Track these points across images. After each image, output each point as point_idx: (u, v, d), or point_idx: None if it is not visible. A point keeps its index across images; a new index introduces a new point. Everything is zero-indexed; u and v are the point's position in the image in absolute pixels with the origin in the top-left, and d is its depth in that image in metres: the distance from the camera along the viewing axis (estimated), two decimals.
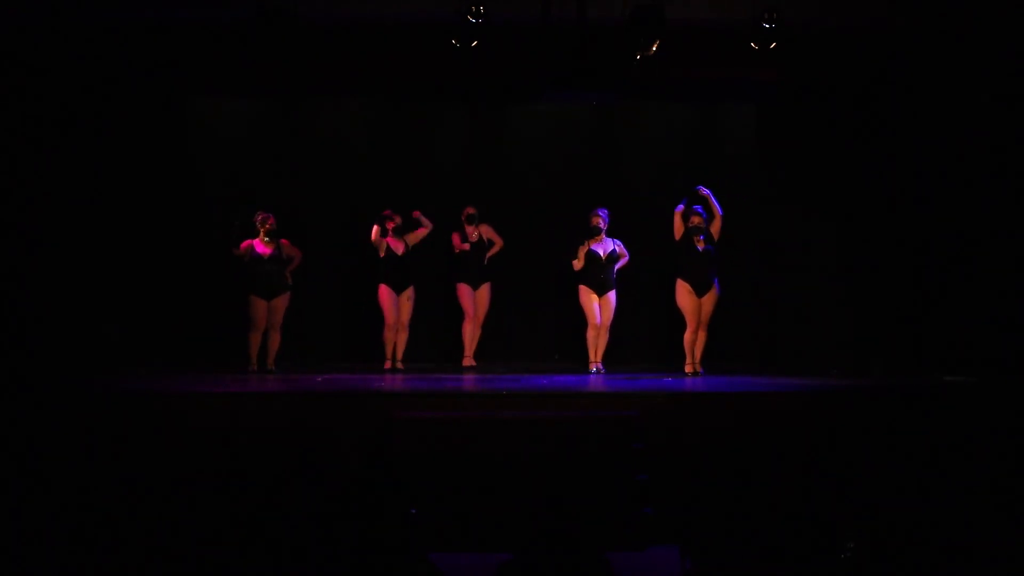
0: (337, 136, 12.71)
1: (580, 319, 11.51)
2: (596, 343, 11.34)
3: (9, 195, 10.90)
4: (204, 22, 10.57)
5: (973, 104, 11.12)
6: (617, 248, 11.36)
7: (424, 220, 11.59)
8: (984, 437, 8.94)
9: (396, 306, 11.47)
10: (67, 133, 11.10)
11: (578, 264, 11.30)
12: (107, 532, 7.61)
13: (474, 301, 11.89)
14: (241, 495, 8.16)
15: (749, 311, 12.29)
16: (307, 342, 12.21)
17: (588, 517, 5.18)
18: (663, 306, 11.66)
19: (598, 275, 11.29)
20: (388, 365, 11.52)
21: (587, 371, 11.30)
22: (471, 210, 11.88)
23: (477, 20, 9.95)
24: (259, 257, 11.20)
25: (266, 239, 11.24)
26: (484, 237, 11.92)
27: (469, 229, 11.87)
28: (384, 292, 11.48)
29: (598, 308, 11.29)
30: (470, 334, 11.95)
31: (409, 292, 11.53)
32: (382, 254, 11.49)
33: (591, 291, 11.31)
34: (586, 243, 11.26)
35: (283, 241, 11.35)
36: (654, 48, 10.01)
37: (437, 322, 12.38)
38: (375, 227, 11.47)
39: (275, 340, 11.31)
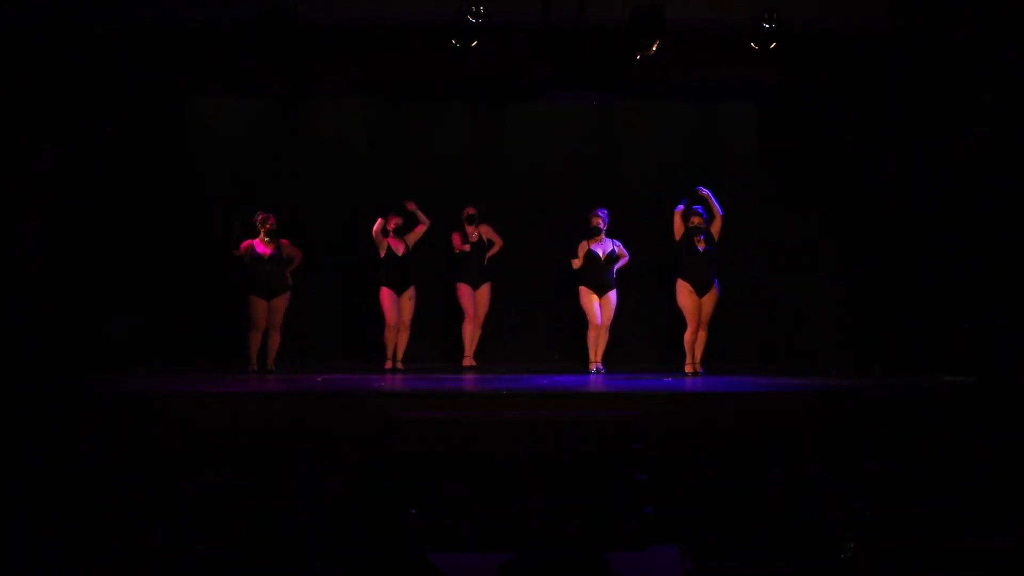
0: (337, 136, 12.71)
1: (580, 319, 11.51)
2: (596, 343, 11.34)
3: (9, 195, 10.90)
4: (204, 22, 10.57)
5: (973, 104, 11.12)
6: (616, 248, 11.36)
7: (421, 215, 11.58)
8: (984, 437, 8.93)
9: (397, 307, 11.48)
10: (67, 133, 11.10)
11: (577, 263, 11.31)
12: (107, 532, 7.61)
13: (474, 301, 11.89)
14: (241, 495, 8.16)
15: (749, 311, 12.29)
16: (307, 342, 12.21)
17: (588, 517, 5.17)
18: (663, 306, 11.66)
19: (598, 276, 11.29)
20: (389, 365, 11.52)
21: (587, 371, 11.30)
22: (471, 210, 11.89)
23: (477, 20, 9.95)
24: (259, 257, 11.20)
25: (266, 239, 11.25)
26: (484, 237, 11.92)
27: (469, 229, 11.87)
28: (385, 293, 11.48)
29: (599, 308, 11.29)
30: (470, 334, 11.96)
31: (410, 292, 11.53)
32: (382, 254, 11.49)
33: (591, 292, 11.31)
34: (584, 243, 11.27)
35: (283, 241, 11.35)
36: (654, 48, 10.01)
37: (437, 322, 12.38)
38: (379, 220, 11.46)
39: (275, 340, 11.31)
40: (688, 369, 11.14)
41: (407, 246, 11.55)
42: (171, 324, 11.92)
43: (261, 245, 11.24)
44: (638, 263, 11.71)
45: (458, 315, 12.05)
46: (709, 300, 11.07)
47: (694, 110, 12.94)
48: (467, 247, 11.84)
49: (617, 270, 11.39)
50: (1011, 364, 10.52)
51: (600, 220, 11.33)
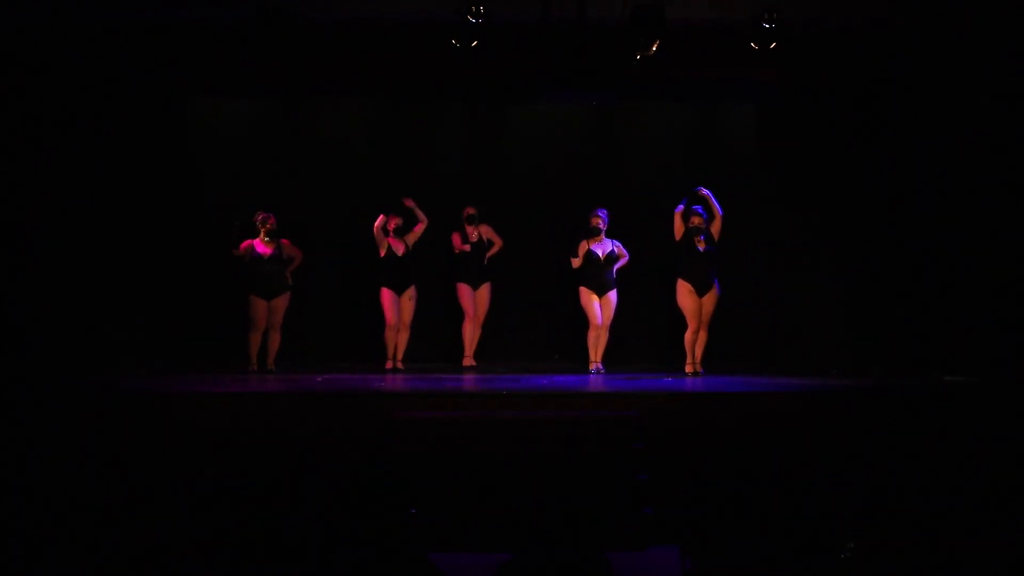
0: (337, 136, 12.71)
1: (580, 319, 11.51)
2: (596, 343, 11.34)
3: (9, 195, 10.89)
4: (204, 22, 10.57)
5: (973, 104, 11.12)
6: (616, 249, 11.37)
7: (419, 213, 11.57)
8: (984, 437, 8.93)
9: (397, 306, 11.48)
10: (67, 133, 11.10)
11: (577, 262, 11.31)
12: (107, 532, 7.61)
13: (474, 301, 11.89)
14: (241, 495, 8.16)
15: (749, 311, 12.29)
16: (307, 342, 12.22)
17: (588, 517, 5.17)
18: (663, 306, 11.66)
19: (597, 276, 11.29)
20: (389, 365, 11.52)
21: (587, 371, 11.30)
22: (471, 210, 11.89)
23: (477, 20, 9.95)
24: (259, 257, 11.21)
25: (266, 239, 11.25)
26: (484, 237, 11.93)
27: (469, 229, 11.88)
28: (385, 293, 11.48)
29: (599, 308, 11.29)
30: (470, 334, 11.96)
31: (410, 292, 11.53)
32: (382, 253, 11.49)
33: (591, 292, 11.32)
34: (585, 242, 11.28)
35: (284, 241, 11.36)
36: (654, 48, 10.01)
37: (437, 322, 12.38)
38: (381, 217, 11.45)
39: (275, 340, 11.31)
40: (688, 369, 11.14)
41: (407, 246, 11.55)
42: (171, 324, 11.92)
43: (261, 245, 11.24)
44: (638, 263, 11.71)
45: (458, 315, 12.05)
46: (709, 300, 11.08)
47: (694, 110, 12.94)
48: (467, 247, 11.84)
49: (617, 270, 11.39)
50: (1011, 364, 10.52)
51: (600, 220, 11.33)
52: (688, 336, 11.14)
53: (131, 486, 8.21)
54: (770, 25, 10.21)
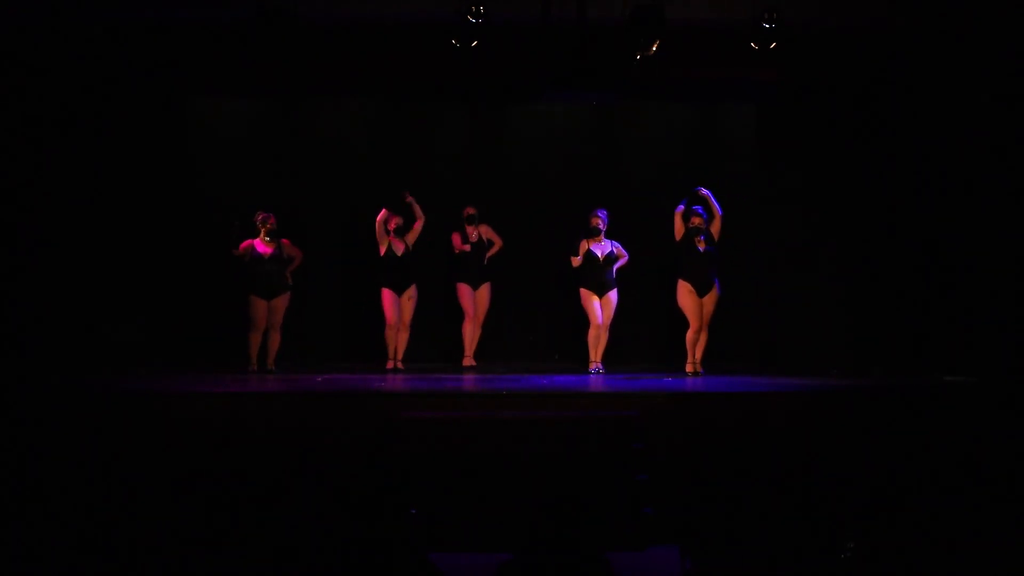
0: (337, 136, 12.71)
1: (580, 319, 11.51)
2: (597, 343, 11.34)
3: (9, 195, 10.89)
4: (204, 22, 10.57)
5: (973, 104, 11.12)
6: (615, 249, 11.37)
7: (417, 210, 11.56)
8: (984, 437, 8.93)
9: (397, 306, 11.48)
10: (67, 133, 11.10)
11: (577, 261, 11.32)
12: (107, 532, 7.61)
13: (474, 301, 11.89)
14: (241, 495, 8.16)
15: (749, 311, 12.29)
16: (307, 342, 12.22)
17: (588, 517, 5.16)
18: (663, 306, 11.66)
19: (597, 276, 11.30)
20: (390, 365, 11.52)
21: (587, 371, 11.30)
22: (471, 210, 11.89)
23: (477, 20, 9.94)
24: (260, 257, 11.21)
25: (267, 239, 11.25)
26: (484, 237, 11.93)
27: (469, 229, 11.88)
28: (385, 293, 11.48)
29: (599, 308, 11.29)
30: (470, 334, 11.96)
31: (411, 291, 11.53)
32: (383, 251, 11.48)
33: (591, 293, 11.32)
34: (585, 242, 11.28)
35: (284, 241, 11.36)
36: (654, 48, 10.01)
37: (437, 322, 12.38)
38: (383, 211, 11.44)
39: (275, 340, 11.31)
40: (689, 369, 11.13)
41: (407, 246, 11.55)
42: (171, 324, 11.92)
43: (262, 245, 11.24)
44: (638, 263, 11.71)
45: (458, 315, 12.05)
46: (710, 300, 11.08)
47: (694, 110, 12.94)
48: (467, 247, 11.84)
49: (617, 270, 11.39)
50: (1011, 364, 10.52)
51: (600, 221, 11.34)
52: (690, 335, 11.13)
53: (131, 486, 8.21)
54: (770, 25, 10.21)
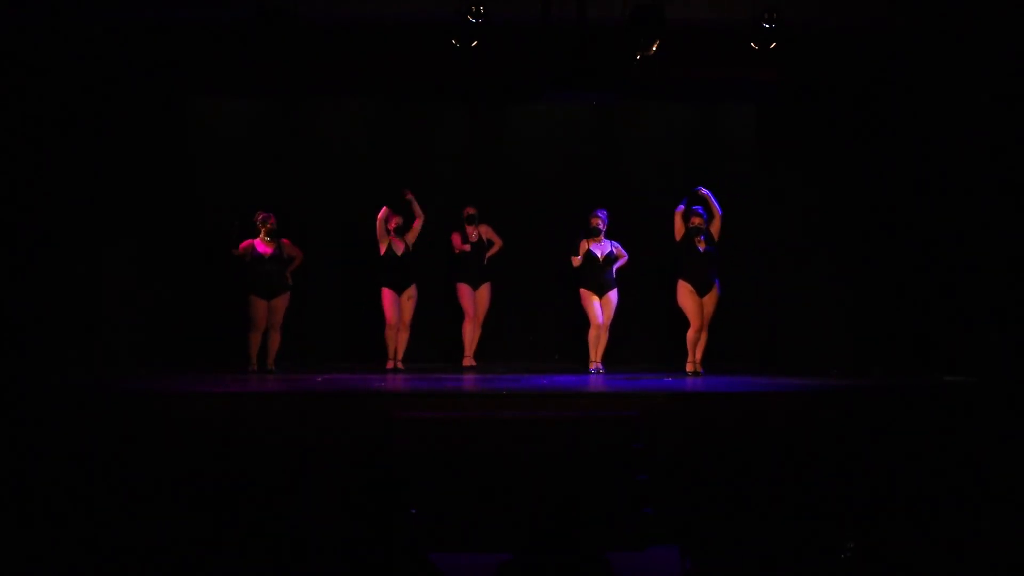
0: (337, 136, 12.71)
1: (580, 319, 11.51)
2: (597, 343, 11.34)
3: (9, 195, 10.89)
4: (204, 22, 10.57)
5: (973, 104, 11.11)
6: (615, 250, 11.37)
7: (416, 208, 11.56)
8: (984, 437, 8.94)
9: (397, 306, 11.48)
10: (67, 133, 11.09)
11: (577, 261, 11.32)
12: (107, 532, 7.61)
13: (474, 301, 11.89)
14: (241, 495, 8.16)
15: (749, 311, 12.28)
16: (307, 342, 12.22)
17: (588, 517, 5.16)
18: (663, 306, 11.66)
19: (597, 277, 11.30)
20: (391, 365, 11.52)
21: (587, 371, 11.30)
22: (471, 210, 11.89)
23: (477, 20, 9.93)
24: (260, 257, 11.21)
25: (267, 239, 11.25)
26: (484, 237, 11.93)
27: (469, 229, 11.88)
28: (385, 293, 11.48)
29: (599, 308, 11.29)
30: (470, 334, 11.96)
31: (411, 291, 11.53)
32: (383, 250, 11.48)
33: (592, 293, 11.32)
34: (585, 241, 11.28)
35: (284, 241, 11.36)
36: (654, 48, 10.00)
37: (437, 322, 12.37)
38: (384, 208, 11.43)
39: (275, 340, 11.31)
40: (689, 368, 11.13)
41: (407, 245, 11.55)
42: (171, 324, 11.91)
43: (262, 245, 11.25)
44: (638, 263, 11.71)
45: (458, 315, 12.04)
46: (710, 300, 11.08)
47: (694, 110, 12.94)
48: (467, 247, 11.84)
49: (617, 270, 11.39)
50: (1011, 364, 10.51)
51: (600, 221, 11.34)
52: (690, 335, 11.13)
53: (131, 486, 8.21)
54: (770, 25, 10.20)
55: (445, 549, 7.14)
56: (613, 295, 11.33)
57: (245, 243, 11.27)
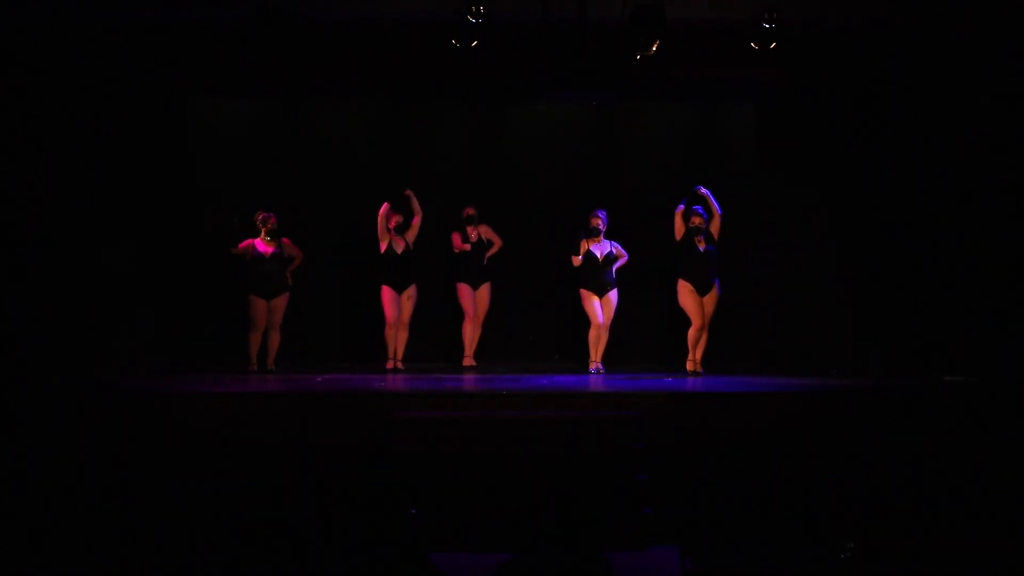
0: (337, 136, 12.71)
1: (580, 319, 11.52)
2: (597, 342, 11.34)
3: (9, 195, 10.89)
4: (204, 22, 10.57)
5: (973, 104, 11.11)
6: (614, 250, 11.37)
7: (415, 205, 11.55)
8: (984, 437, 8.94)
9: (397, 305, 11.48)
10: (67, 133, 11.10)
11: (577, 260, 11.32)
12: (107, 532, 7.61)
13: (474, 301, 11.90)
14: (241, 495, 8.16)
15: (749, 311, 12.28)
16: (307, 342, 12.22)
17: (588, 517, 5.16)
18: (663, 306, 11.67)
19: (597, 277, 11.30)
20: (391, 364, 11.52)
21: (587, 371, 11.30)
22: (471, 210, 11.89)
23: (477, 20, 9.94)
24: (260, 256, 11.21)
25: (267, 239, 11.25)
26: (484, 237, 11.93)
27: (469, 229, 11.88)
28: (385, 292, 11.49)
29: (599, 308, 11.30)
30: (470, 334, 11.96)
31: (410, 291, 11.53)
32: (383, 248, 11.48)
33: (592, 294, 11.32)
34: (585, 241, 11.28)
35: (284, 240, 11.36)
36: (654, 48, 10.01)
37: (437, 322, 12.38)
38: (385, 204, 11.43)
39: (275, 340, 11.31)
40: (689, 366, 11.14)
41: (407, 244, 11.55)
42: (171, 324, 11.92)
43: (262, 244, 11.25)
44: (638, 263, 11.71)
45: (458, 315, 12.04)
46: (711, 300, 11.09)
47: (694, 110, 12.94)
48: (467, 247, 11.84)
49: (617, 270, 11.39)
50: (1011, 364, 10.52)
51: (600, 221, 11.34)
52: (691, 333, 11.14)
53: (131, 486, 8.21)
54: (770, 25, 10.20)
55: (445, 549, 7.14)
56: (613, 295, 11.33)
57: (245, 243, 11.27)
